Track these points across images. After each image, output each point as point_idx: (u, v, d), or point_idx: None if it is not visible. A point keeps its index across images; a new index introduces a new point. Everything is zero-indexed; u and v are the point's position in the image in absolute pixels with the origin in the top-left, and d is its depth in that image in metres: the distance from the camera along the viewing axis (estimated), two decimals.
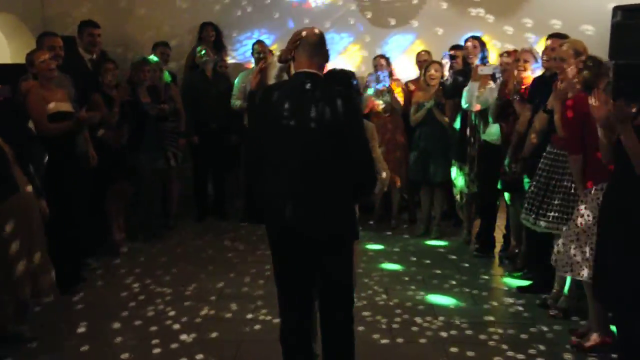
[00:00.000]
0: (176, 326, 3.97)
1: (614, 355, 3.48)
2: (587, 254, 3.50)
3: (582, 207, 3.57)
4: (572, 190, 3.85)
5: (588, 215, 3.51)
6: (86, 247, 4.96)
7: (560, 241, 3.71)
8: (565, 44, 4.03)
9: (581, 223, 3.55)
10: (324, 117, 2.74)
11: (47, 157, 4.33)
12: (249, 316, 4.11)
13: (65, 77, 4.67)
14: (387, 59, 6.27)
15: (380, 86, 6.06)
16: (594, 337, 3.61)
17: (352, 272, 3.00)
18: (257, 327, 3.96)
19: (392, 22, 7.11)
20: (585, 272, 3.52)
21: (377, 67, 6.19)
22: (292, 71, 2.98)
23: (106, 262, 5.16)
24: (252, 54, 6.46)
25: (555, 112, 3.93)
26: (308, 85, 2.79)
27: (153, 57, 5.95)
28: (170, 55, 6.48)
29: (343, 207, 2.86)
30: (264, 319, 4.06)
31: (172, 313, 4.17)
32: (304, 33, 2.87)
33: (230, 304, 4.31)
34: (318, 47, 2.85)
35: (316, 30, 2.90)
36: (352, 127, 2.81)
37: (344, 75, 3.48)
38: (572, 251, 3.58)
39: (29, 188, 3.64)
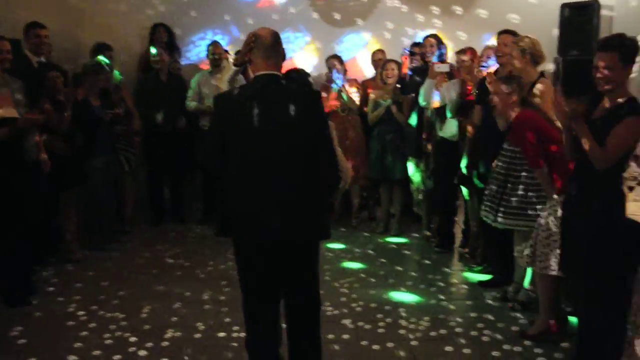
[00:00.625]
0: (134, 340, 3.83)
1: (564, 345, 3.58)
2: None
3: (545, 212, 3.61)
4: (531, 187, 3.91)
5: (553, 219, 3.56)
6: (38, 255, 4.79)
7: (529, 243, 3.72)
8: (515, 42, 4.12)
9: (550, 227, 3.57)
10: (291, 118, 2.73)
11: None
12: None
13: (14, 81, 4.48)
14: (339, 59, 6.27)
15: (334, 86, 6.06)
16: (538, 323, 3.69)
17: (318, 273, 2.99)
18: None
19: (346, 21, 7.12)
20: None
21: (330, 67, 6.19)
22: (250, 74, 2.95)
23: (59, 271, 4.99)
24: (207, 55, 6.38)
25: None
26: (271, 87, 2.77)
27: (104, 59, 5.78)
28: (114, 57, 6.29)
29: (318, 208, 2.85)
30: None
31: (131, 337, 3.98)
32: (258, 34, 2.83)
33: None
34: (273, 47, 2.82)
35: (269, 30, 2.86)
36: (319, 126, 2.83)
37: (302, 75, 3.47)
38: (550, 255, 3.57)
39: None
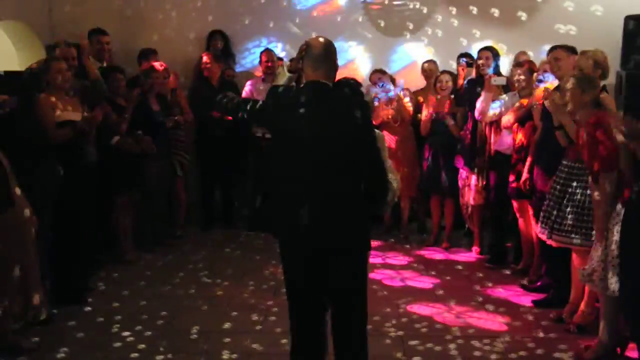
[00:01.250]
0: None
1: None
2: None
3: (615, 228, 3.45)
4: (586, 204, 3.81)
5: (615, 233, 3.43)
6: (94, 257, 4.90)
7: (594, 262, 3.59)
8: (585, 55, 4.00)
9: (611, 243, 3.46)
10: (337, 126, 2.74)
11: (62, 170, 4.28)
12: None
13: (85, 86, 4.65)
14: (384, 72, 6.21)
15: (390, 95, 6.00)
16: (597, 346, 3.55)
17: (366, 284, 2.96)
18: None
19: (400, 31, 7.07)
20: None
21: (374, 81, 6.11)
22: (303, 81, 2.97)
23: (111, 272, 5.11)
24: (260, 62, 6.43)
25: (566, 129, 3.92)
26: (318, 94, 2.78)
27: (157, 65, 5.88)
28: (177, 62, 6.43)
29: (358, 218, 2.83)
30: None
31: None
32: (309, 43, 2.86)
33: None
34: (323, 57, 2.82)
35: (321, 39, 2.88)
36: (366, 136, 2.82)
37: (354, 85, 3.47)
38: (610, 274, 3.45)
39: (24, 203, 3.59)
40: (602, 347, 3.55)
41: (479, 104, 5.28)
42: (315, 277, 2.82)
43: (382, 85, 6.02)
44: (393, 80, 6.18)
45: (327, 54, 2.83)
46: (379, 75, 6.18)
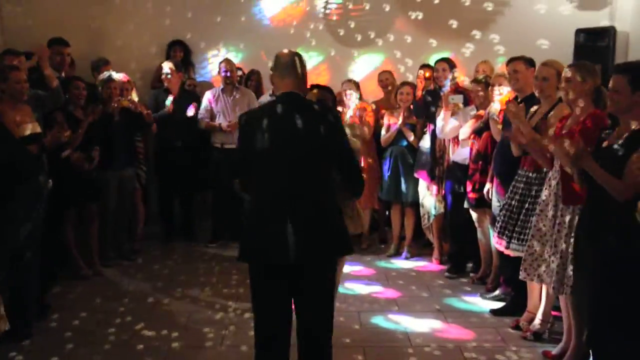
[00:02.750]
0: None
1: None
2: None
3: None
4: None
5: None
6: (49, 274, 4.76)
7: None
8: (547, 65, 4.05)
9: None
10: (312, 134, 2.79)
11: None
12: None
13: (39, 96, 4.52)
14: (356, 83, 6.22)
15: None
16: (571, 348, 3.63)
17: (335, 290, 2.98)
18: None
19: (360, 41, 7.13)
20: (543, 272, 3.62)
21: (345, 91, 6.12)
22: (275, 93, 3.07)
23: (66, 289, 5.00)
24: (219, 72, 6.39)
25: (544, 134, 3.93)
26: (287, 105, 2.84)
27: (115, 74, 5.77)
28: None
29: (339, 224, 2.90)
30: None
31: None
32: (277, 55, 2.95)
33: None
34: (290, 66, 2.89)
35: (286, 51, 2.96)
36: (341, 140, 2.90)
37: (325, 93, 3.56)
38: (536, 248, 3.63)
39: None
40: (577, 348, 3.60)
41: (439, 122, 5.35)
42: (286, 291, 2.83)
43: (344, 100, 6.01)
44: (359, 97, 6.19)
45: (294, 64, 2.89)
46: (348, 85, 6.15)
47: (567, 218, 3.53)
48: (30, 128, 4.14)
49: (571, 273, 3.48)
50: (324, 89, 3.84)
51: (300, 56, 2.95)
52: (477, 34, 6.91)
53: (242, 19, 7.10)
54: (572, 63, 3.90)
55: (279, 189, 2.77)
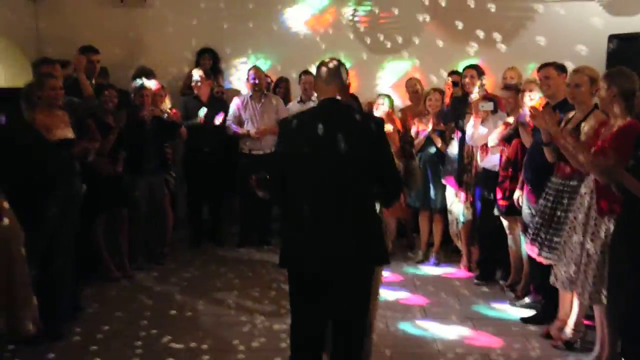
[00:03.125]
0: None
1: None
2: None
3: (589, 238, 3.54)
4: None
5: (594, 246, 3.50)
6: (81, 276, 4.84)
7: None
8: (579, 71, 3.98)
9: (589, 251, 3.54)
10: (353, 141, 2.81)
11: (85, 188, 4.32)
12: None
13: (73, 102, 4.62)
14: (390, 99, 6.09)
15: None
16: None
17: (373, 300, 2.99)
18: None
19: (388, 48, 7.14)
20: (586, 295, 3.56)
21: (377, 103, 6.08)
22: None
23: (100, 290, 5.07)
24: (247, 79, 6.44)
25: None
26: (329, 111, 2.89)
27: (147, 81, 5.87)
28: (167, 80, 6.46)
29: (375, 233, 2.90)
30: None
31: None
32: (320, 62, 3.03)
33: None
34: (336, 73, 2.96)
35: (329, 58, 3.06)
36: (383, 149, 2.91)
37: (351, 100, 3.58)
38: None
39: (7, 220, 3.50)
40: (611, 358, 3.54)
41: (468, 129, 5.31)
42: (327, 297, 2.84)
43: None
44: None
45: (339, 70, 2.97)
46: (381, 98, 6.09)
47: (603, 228, 3.47)
48: (64, 134, 4.24)
49: (606, 282, 3.41)
50: (350, 96, 3.87)
51: (344, 64, 3.04)
52: (506, 38, 6.86)
53: (271, 27, 7.18)
54: (607, 71, 3.82)
55: (318, 196, 2.78)
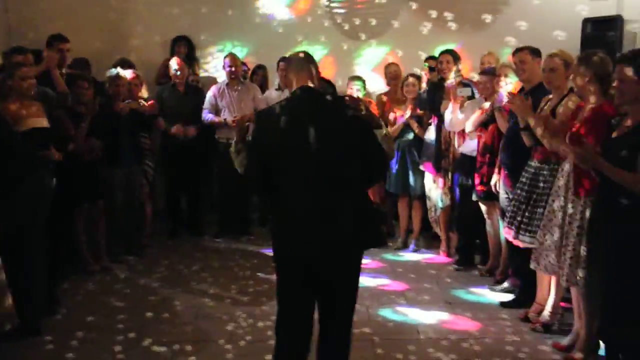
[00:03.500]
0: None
1: None
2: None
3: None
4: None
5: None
6: (58, 269, 4.77)
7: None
8: (554, 55, 3.99)
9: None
10: (334, 126, 2.81)
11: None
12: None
13: (47, 93, 4.53)
14: (362, 80, 6.07)
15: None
16: (582, 337, 3.61)
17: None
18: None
19: (365, 34, 7.12)
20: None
21: (351, 88, 6.05)
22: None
23: (77, 284, 5.01)
24: (223, 67, 6.37)
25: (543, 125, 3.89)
26: (307, 99, 2.86)
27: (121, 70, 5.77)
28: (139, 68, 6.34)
29: (371, 214, 2.92)
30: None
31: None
32: (289, 56, 3.06)
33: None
34: (305, 61, 2.95)
35: (301, 51, 3.08)
36: (364, 128, 2.88)
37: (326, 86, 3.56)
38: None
39: None
40: (588, 339, 3.58)
41: (447, 115, 5.31)
42: (317, 282, 2.83)
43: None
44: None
45: (308, 58, 2.98)
46: (352, 83, 6.07)
47: (579, 209, 3.50)
48: (38, 122, 4.15)
49: (583, 264, 3.45)
50: (324, 82, 3.82)
51: (311, 55, 3.04)
52: (483, 23, 6.86)
53: (247, 14, 7.11)
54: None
55: (309, 185, 2.74)
